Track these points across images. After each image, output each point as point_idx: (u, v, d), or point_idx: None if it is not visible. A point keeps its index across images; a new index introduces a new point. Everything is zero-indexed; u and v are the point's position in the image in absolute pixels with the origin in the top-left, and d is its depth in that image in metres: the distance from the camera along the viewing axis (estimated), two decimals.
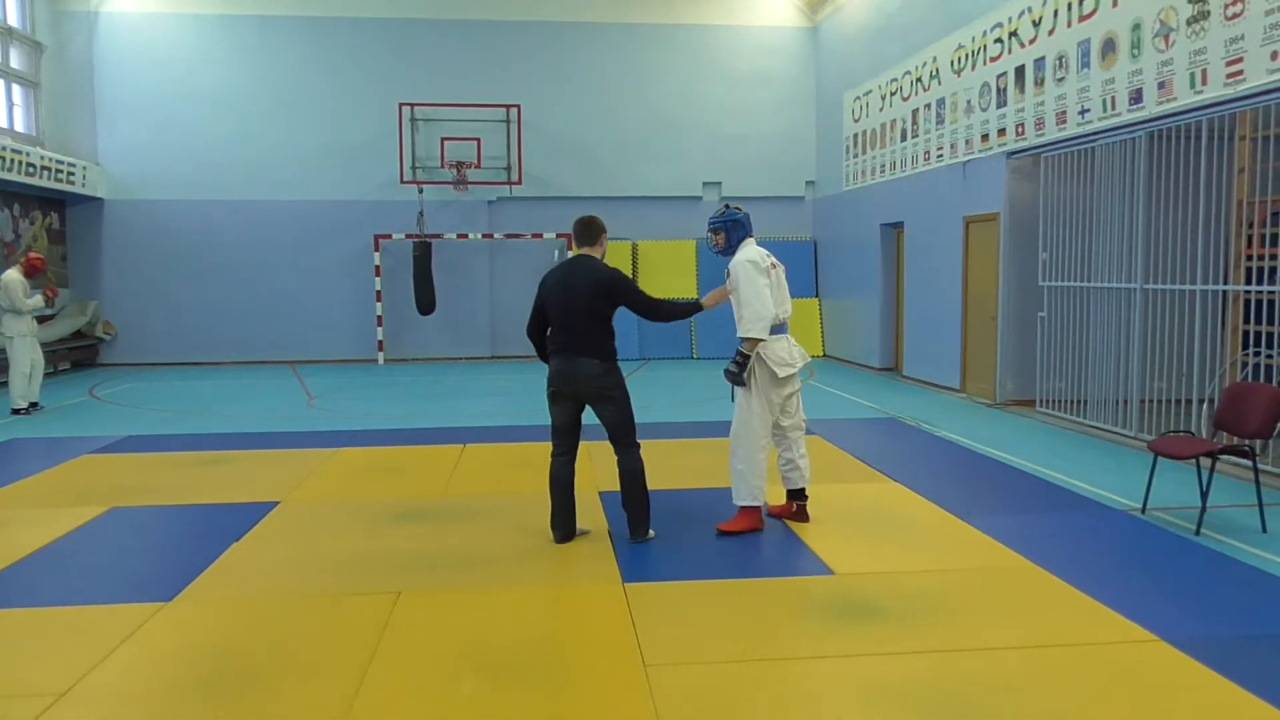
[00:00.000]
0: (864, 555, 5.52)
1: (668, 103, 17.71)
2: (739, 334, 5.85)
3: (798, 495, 6.20)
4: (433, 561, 5.45)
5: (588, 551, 5.62)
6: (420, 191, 16.87)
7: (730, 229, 6.06)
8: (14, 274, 11.17)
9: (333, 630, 4.44)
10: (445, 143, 16.76)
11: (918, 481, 7.25)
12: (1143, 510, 6.48)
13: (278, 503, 6.78)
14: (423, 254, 16.56)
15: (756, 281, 5.80)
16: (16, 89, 15.46)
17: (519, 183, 17.02)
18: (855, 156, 15.74)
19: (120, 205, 16.71)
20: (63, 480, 7.61)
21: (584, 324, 5.59)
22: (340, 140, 16.97)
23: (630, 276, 5.91)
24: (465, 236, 17.12)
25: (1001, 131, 10.97)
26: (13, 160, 13.76)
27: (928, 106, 12.91)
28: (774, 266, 5.99)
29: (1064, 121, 9.71)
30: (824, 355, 17.50)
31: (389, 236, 16.88)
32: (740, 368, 5.85)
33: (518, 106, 16.97)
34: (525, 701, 3.73)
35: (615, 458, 5.77)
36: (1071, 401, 9.84)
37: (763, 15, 17.84)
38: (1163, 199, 8.57)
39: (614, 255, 17.46)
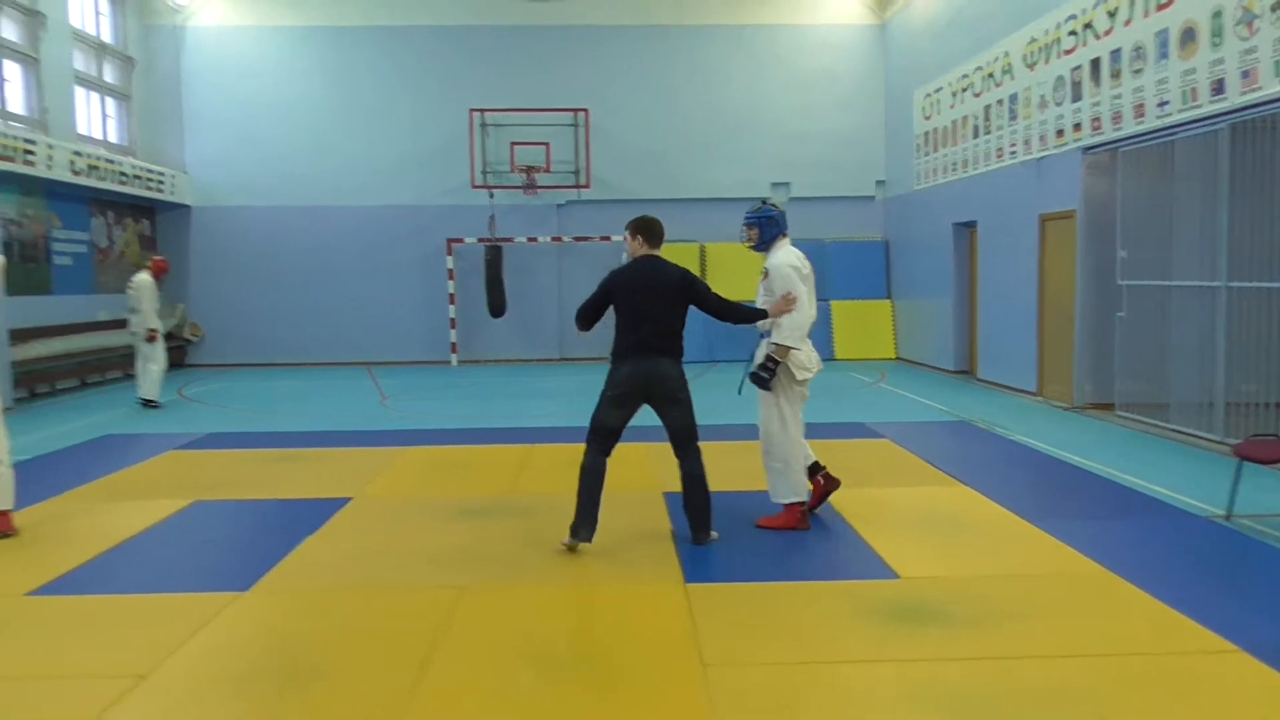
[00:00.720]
0: (930, 559, 5.44)
1: (734, 103, 17.66)
2: (774, 339, 5.87)
3: (814, 469, 6.26)
4: (497, 558, 5.53)
5: (650, 551, 5.64)
6: (491, 196, 17.10)
7: (764, 225, 6.15)
8: (146, 277, 11.92)
9: (398, 623, 4.54)
10: (515, 147, 16.97)
11: (989, 486, 7.11)
12: (1227, 517, 6.26)
13: (350, 499, 6.95)
14: (493, 257, 16.80)
15: (798, 287, 5.85)
16: (110, 102, 16.10)
17: (587, 186, 17.15)
18: (926, 155, 15.50)
19: (206, 212, 17.28)
20: (151, 474, 7.91)
21: (667, 325, 5.60)
22: (413, 147, 17.30)
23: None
24: (535, 240, 17.31)
25: (1077, 126, 10.70)
26: (106, 170, 14.34)
27: (1000, 102, 12.66)
28: (810, 273, 6.03)
29: (1142, 115, 9.44)
30: (896, 358, 17.26)
31: (461, 240, 17.15)
32: (770, 374, 5.88)
33: (585, 110, 17.10)
34: (584, 698, 3.77)
35: (676, 460, 5.75)
36: (1152, 404, 9.55)
37: (830, 13, 17.69)
38: (1248, 192, 8.27)
39: (681, 256, 17.46)
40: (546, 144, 16.93)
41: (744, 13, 17.58)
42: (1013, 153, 12.35)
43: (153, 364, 11.87)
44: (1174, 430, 9.12)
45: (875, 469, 7.85)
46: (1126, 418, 9.90)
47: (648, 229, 5.80)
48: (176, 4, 16.75)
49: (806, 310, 5.87)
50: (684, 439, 5.71)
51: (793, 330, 5.83)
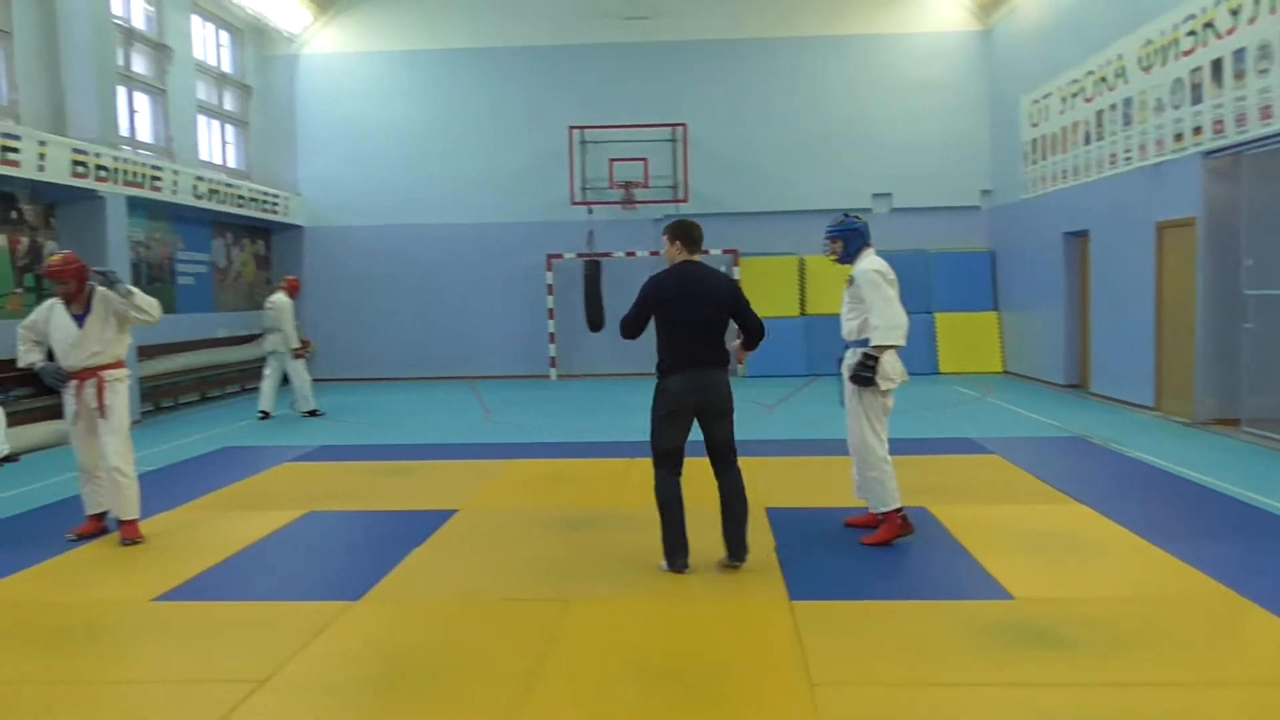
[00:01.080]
0: (1045, 579, 5.25)
1: (833, 114, 17.48)
2: (873, 339, 5.84)
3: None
4: (600, 571, 5.56)
5: (754, 567, 5.58)
6: (589, 211, 17.29)
7: (849, 237, 6.10)
8: (283, 297, 12.82)
9: (505, 634, 4.60)
10: (613, 163, 17.13)
11: (1106, 504, 6.83)
12: None
13: (456, 510, 7.08)
14: (592, 272, 16.96)
15: (886, 290, 5.85)
16: (229, 129, 16.87)
17: (685, 200, 17.18)
18: (1034, 163, 15.06)
19: (317, 232, 17.92)
20: (267, 485, 8.21)
21: (717, 335, 5.44)
22: (514, 165, 17.63)
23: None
24: (633, 254, 17.41)
25: (1197, 130, 10.25)
26: (226, 194, 15.01)
27: (1113, 107, 12.22)
28: (894, 279, 6.02)
29: (1269, 116, 8.99)
30: (1003, 371, 16.77)
31: (560, 256, 17.37)
32: (872, 371, 5.84)
33: (684, 125, 17.16)
34: (690, 714, 3.75)
35: (722, 477, 5.52)
36: None
37: (932, 21, 17.37)
38: None
39: (780, 269, 17.37)
40: (644, 159, 17.04)
41: (843, 23, 17.41)
42: (1127, 159, 11.90)
43: (299, 376, 12.74)
44: None
45: (983, 485, 7.63)
46: (1254, 434, 9.41)
47: (686, 234, 5.63)
48: (291, 35, 17.45)
49: (901, 311, 5.85)
50: (726, 452, 5.50)
51: (890, 329, 5.80)
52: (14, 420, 10.19)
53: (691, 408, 5.40)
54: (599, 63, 17.57)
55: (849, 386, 6.07)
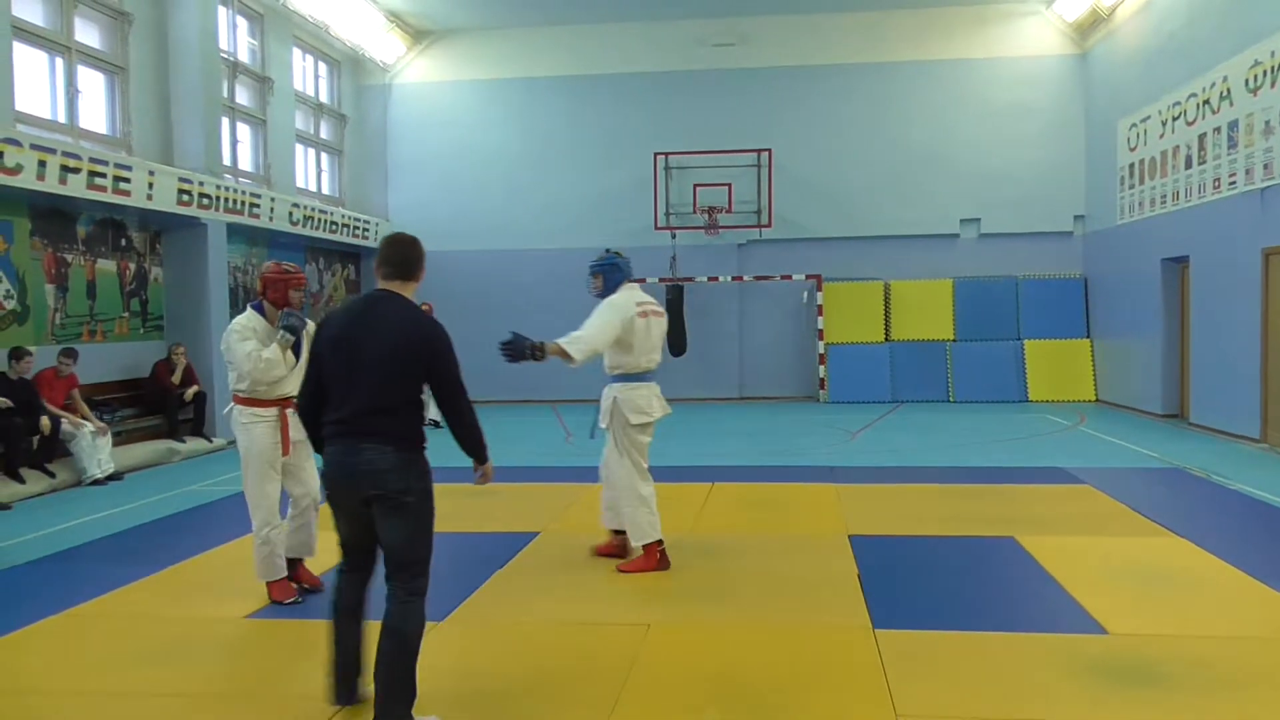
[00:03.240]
0: (1143, 614, 5.06)
1: (922, 139, 17.26)
2: (562, 341, 5.89)
3: (620, 533, 6.28)
4: (682, 595, 5.54)
5: (837, 593, 5.50)
6: (673, 237, 17.36)
7: (608, 272, 6.32)
8: None
9: (586, 658, 4.61)
10: (697, 189, 17.19)
11: (1207, 538, 6.54)
12: None
13: (538, 533, 7.14)
14: (675, 297, 17.01)
15: (605, 316, 5.98)
16: (324, 156, 17.45)
17: (769, 225, 17.13)
18: (1131, 187, 14.63)
19: None
20: None
21: (386, 397, 3.90)
22: (599, 190, 17.82)
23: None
24: (715, 279, 17.42)
25: None
26: (320, 219, 15.50)
27: (1217, 130, 11.81)
28: (647, 314, 6.14)
29: None
30: (1096, 400, 16.25)
31: (643, 281, 17.34)
32: (519, 352, 5.83)
33: (769, 150, 17.14)
34: None
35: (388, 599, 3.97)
36: None
37: (1025, 45, 17.06)
38: None
39: (865, 295, 17.17)
40: (729, 184, 17.06)
41: (931, 48, 17.22)
42: (1232, 183, 11.48)
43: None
44: None
45: (1075, 516, 7.39)
46: None
47: (390, 253, 4.05)
48: (385, 65, 18.01)
49: (603, 340, 5.96)
50: (395, 566, 4.02)
51: (579, 344, 5.85)
52: (119, 440, 10.64)
53: (346, 494, 3.95)
54: (685, 89, 17.69)
55: (607, 422, 6.26)
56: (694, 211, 17.18)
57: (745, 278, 17.45)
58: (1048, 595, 5.46)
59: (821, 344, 16.97)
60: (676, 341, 17.04)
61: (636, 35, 17.75)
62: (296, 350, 5.61)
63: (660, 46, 17.72)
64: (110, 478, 9.92)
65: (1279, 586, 5.43)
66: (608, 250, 6.55)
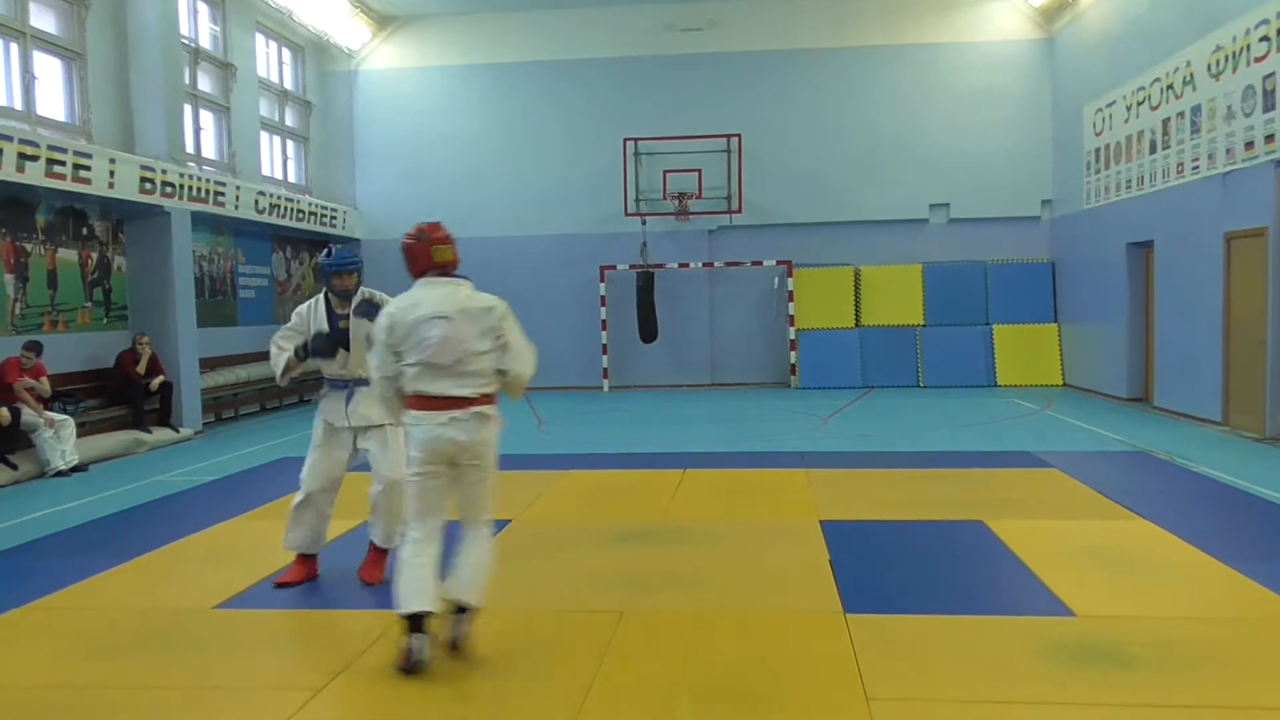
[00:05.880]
0: (1109, 597, 5.12)
1: (891, 124, 17.33)
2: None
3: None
4: (654, 583, 5.54)
5: (808, 578, 5.53)
6: (643, 223, 17.33)
7: (362, 270, 5.98)
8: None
9: (559, 645, 4.60)
10: (667, 175, 17.16)
11: (1171, 520, 6.63)
12: None
13: (509, 521, 7.11)
14: (645, 284, 16.99)
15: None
16: (290, 144, 17.23)
17: (739, 211, 17.14)
18: (1097, 172, 14.77)
19: (374, 245, 18.14)
20: None
21: None
22: (568, 177, 17.75)
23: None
24: (686, 265, 17.41)
25: (1269, 138, 9.97)
26: (287, 208, 15.32)
27: (1180, 115, 11.94)
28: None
29: None
30: (1063, 384, 16.44)
31: (613, 267, 17.43)
32: (321, 345, 5.48)
33: (738, 136, 17.14)
34: None
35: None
36: None
37: (992, 30, 17.15)
38: None
39: (835, 280, 17.24)
40: (698, 170, 17.04)
41: (899, 33, 17.26)
42: (1195, 168, 11.62)
43: None
44: None
45: (1043, 500, 7.47)
46: None
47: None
48: (350, 51, 17.80)
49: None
50: None
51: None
52: (82, 431, 10.49)
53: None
54: (653, 74, 17.63)
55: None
56: (664, 198, 17.16)
57: (716, 264, 17.46)
58: (1015, 578, 5.52)
59: (792, 330, 17.03)
60: (647, 328, 17.04)
61: (605, 20, 17.65)
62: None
63: (629, 31, 17.64)
64: (75, 469, 9.78)
65: (1240, 567, 5.52)
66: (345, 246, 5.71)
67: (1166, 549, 6.01)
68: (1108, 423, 11.88)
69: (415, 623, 4.21)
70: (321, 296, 5.77)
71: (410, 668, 4.18)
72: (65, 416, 9.97)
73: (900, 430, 11.92)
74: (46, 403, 9.96)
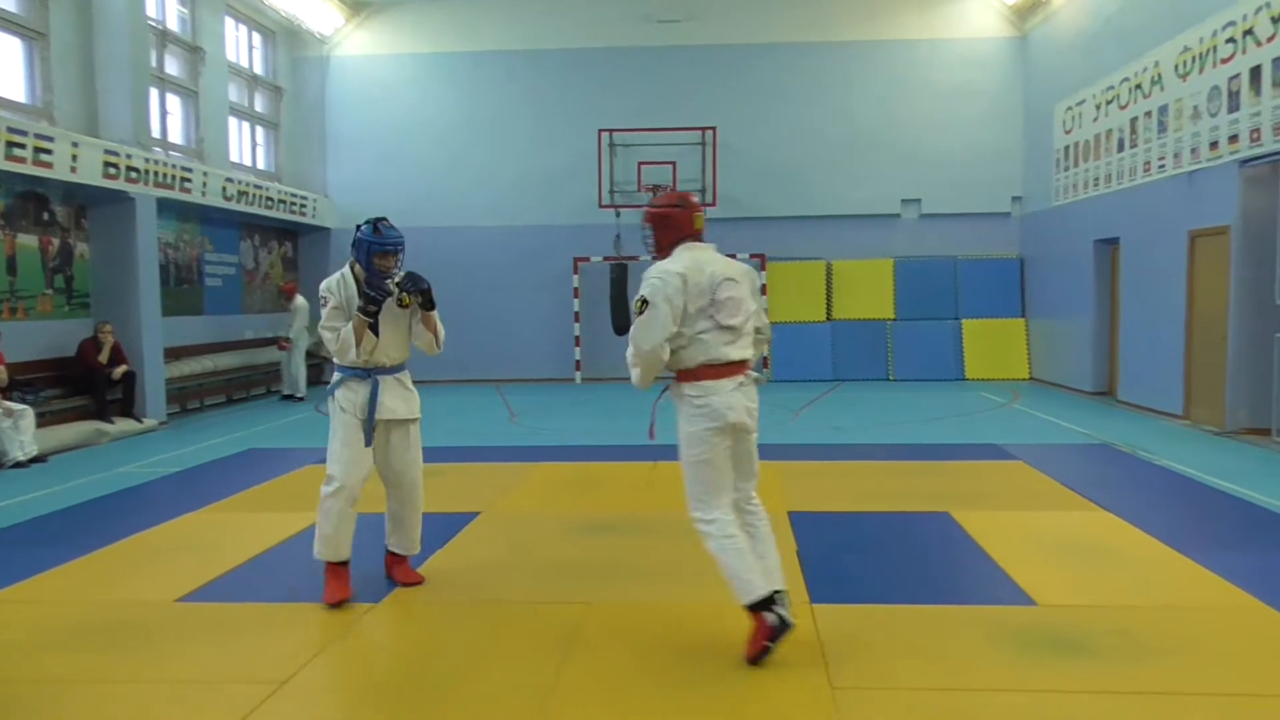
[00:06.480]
0: (1070, 587, 5.19)
1: (865, 119, 17.40)
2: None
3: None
4: (623, 573, 5.55)
5: None
6: (618, 215, 17.29)
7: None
8: (301, 300, 15.16)
9: (527, 636, 4.60)
10: (642, 166, 17.14)
11: (1133, 512, 6.74)
12: None
13: (479, 513, 7.10)
14: (619, 275, 16.96)
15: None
16: (259, 130, 17.03)
17: (713, 204, 17.14)
18: (1066, 170, 14.92)
19: (346, 234, 17.96)
20: (291, 487, 8.26)
21: None
22: (542, 167, 17.68)
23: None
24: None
25: (1234, 138, 10.11)
26: (255, 195, 15.14)
27: (1148, 114, 12.08)
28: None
29: None
30: (1030, 378, 16.62)
31: (587, 259, 17.39)
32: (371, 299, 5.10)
33: (714, 129, 17.14)
34: (711, 716, 3.73)
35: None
36: None
37: (966, 27, 17.26)
38: None
39: (808, 274, 17.29)
40: (673, 163, 17.03)
41: (874, 29, 17.33)
42: (1161, 166, 11.76)
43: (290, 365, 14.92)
44: None
45: (1008, 492, 7.56)
46: None
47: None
48: (322, 36, 17.61)
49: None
50: None
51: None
52: (43, 421, 10.33)
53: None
54: (629, 66, 17.59)
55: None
56: (638, 189, 17.13)
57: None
58: (980, 569, 5.58)
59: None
60: (620, 320, 17.01)
61: (581, 10, 17.59)
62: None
63: (605, 22, 17.58)
64: (33, 460, 9.63)
65: (1198, 558, 5.61)
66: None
67: (1127, 540, 6.10)
68: (1072, 416, 12.02)
69: (766, 603, 4.09)
70: (349, 274, 5.26)
71: (778, 637, 4.08)
72: (24, 406, 9.80)
73: (869, 423, 12.00)
74: (5, 392, 9.78)
